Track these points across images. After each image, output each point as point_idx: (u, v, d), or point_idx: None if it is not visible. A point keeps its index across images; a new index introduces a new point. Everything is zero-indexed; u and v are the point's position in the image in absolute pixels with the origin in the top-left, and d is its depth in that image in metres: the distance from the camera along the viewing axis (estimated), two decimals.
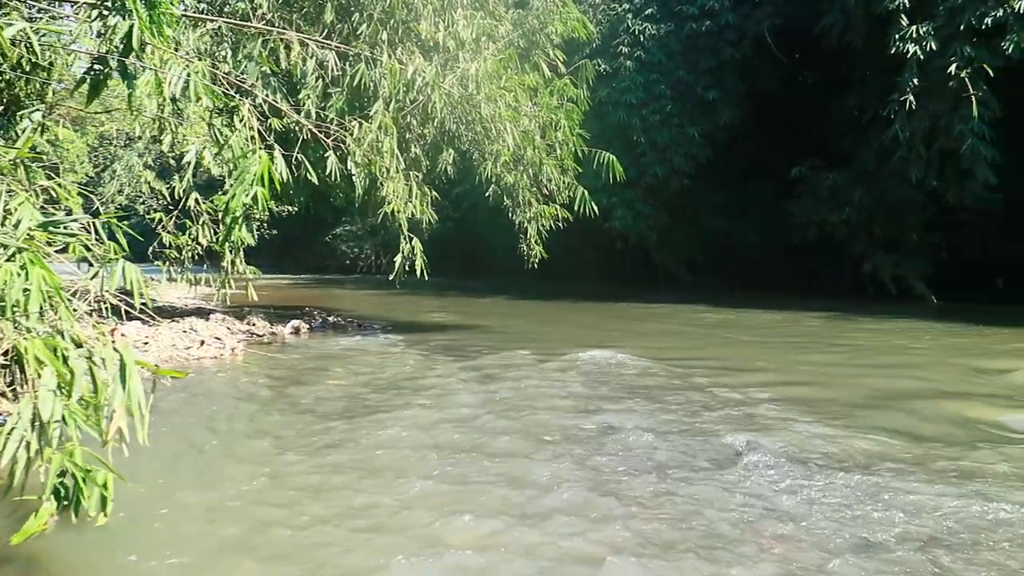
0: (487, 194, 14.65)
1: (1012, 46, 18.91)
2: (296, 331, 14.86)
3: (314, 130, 10.72)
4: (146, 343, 11.48)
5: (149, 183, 27.99)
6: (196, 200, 11.57)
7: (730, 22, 28.88)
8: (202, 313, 15.43)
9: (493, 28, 13.15)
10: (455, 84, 11.58)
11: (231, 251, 9.86)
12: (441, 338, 14.69)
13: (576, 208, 14.34)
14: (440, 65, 11.52)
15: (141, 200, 28.36)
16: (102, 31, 6.04)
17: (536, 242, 14.46)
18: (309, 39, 10.88)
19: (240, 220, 7.32)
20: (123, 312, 5.05)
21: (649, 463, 5.95)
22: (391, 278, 11.70)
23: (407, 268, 11.59)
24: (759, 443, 6.37)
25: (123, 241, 5.07)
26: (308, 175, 9.86)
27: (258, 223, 13.82)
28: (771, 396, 8.63)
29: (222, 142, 8.55)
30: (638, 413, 7.71)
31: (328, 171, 10.57)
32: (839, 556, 4.19)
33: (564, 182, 14.18)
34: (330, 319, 17.12)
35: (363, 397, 8.63)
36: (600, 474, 5.65)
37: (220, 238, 9.26)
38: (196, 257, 12.64)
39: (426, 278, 11.64)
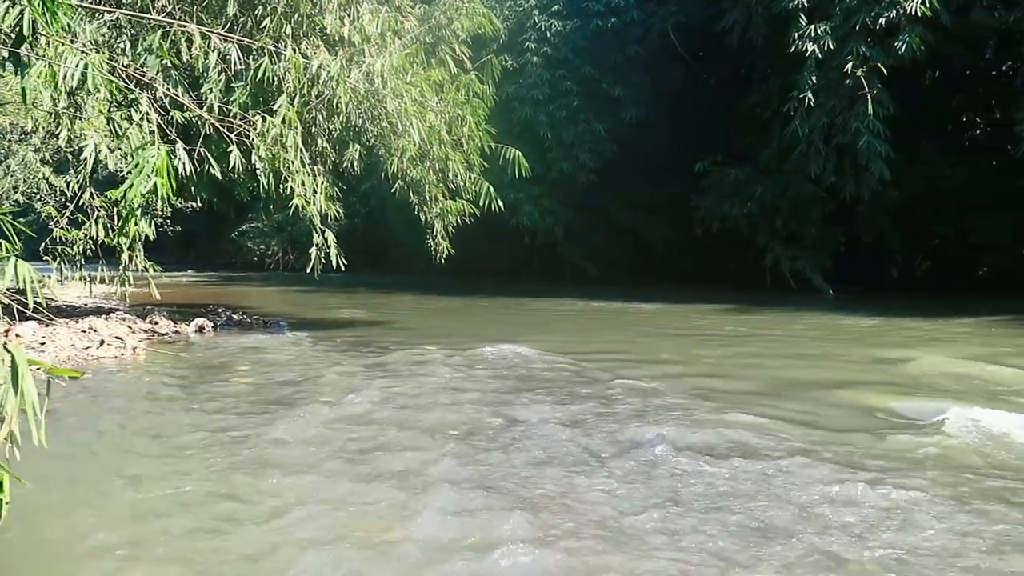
0: (393, 189, 14.62)
1: (905, 46, 19.54)
2: (201, 329, 14.59)
3: (217, 124, 10.54)
4: (43, 344, 11.16)
5: (47, 179, 27.14)
6: (91, 194, 11.28)
7: (635, 19, 29.20)
8: (102, 312, 15.04)
9: (399, 23, 13.08)
10: (361, 79, 11.50)
11: (128, 246, 9.65)
12: (348, 334, 14.60)
13: (482, 204, 14.39)
14: (345, 60, 11.44)
15: (38, 197, 27.47)
16: None
17: (443, 237, 14.48)
18: (211, 32, 10.69)
19: (137, 212, 7.18)
20: (16, 312, 4.92)
21: (552, 456, 6.01)
22: (308, 270, 11.61)
23: (323, 260, 11.52)
24: (662, 434, 6.48)
25: (15, 238, 4.94)
26: (211, 169, 9.70)
27: (160, 218, 13.58)
28: (675, 387, 8.79)
29: (120, 135, 8.37)
30: (543, 406, 7.79)
31: (232, 166, 10.42)
32: (738, 542, 4.30)
33: (470, 178, 14.21)
34: (236, 317, 16.85)
35: (267, 395, 8.54)
36: (501, 468, 5.69)
37: (116, 231, 9.06)
38: (90, 254, 12.32)
39: (342, 269, 11.57)
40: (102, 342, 11.80)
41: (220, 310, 17.58)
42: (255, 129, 10.56)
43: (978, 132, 27.16)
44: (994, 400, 8.06)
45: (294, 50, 10.87)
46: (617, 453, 6.06)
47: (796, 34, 21.26)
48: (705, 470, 5.58)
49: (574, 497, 5.05)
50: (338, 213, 12.62)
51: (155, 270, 11.18)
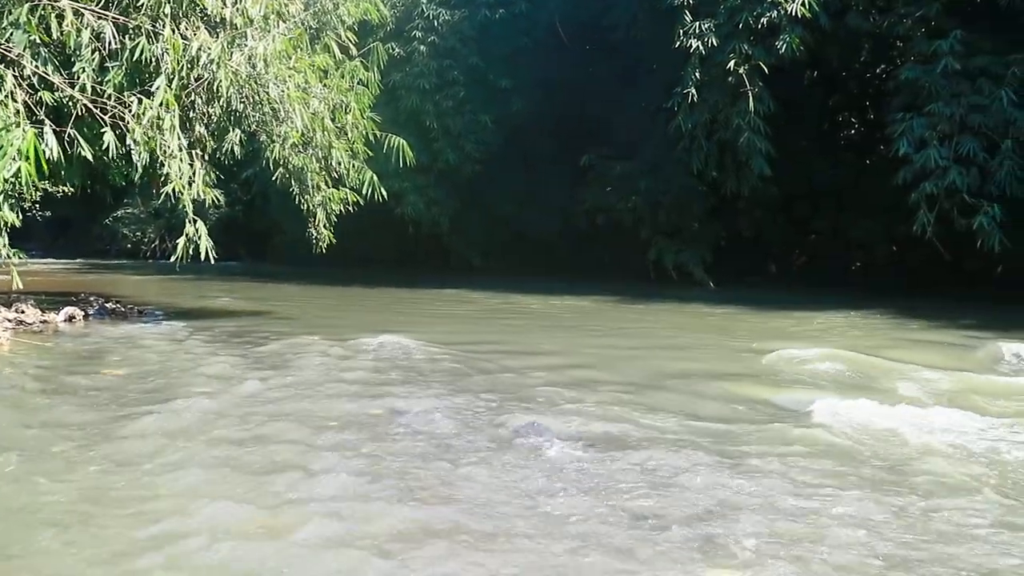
0: (275, 177, 14.38)
1: (785, 46, 20.05)
2: (71, 319, 14.02)
3: (90, 105, 10.16)
4: None
5: None
6: None
7: (523, 11, 29.27)
8: None
9: (283, 6, 12.80)
10: (242, 63, 11.23)
11: None
12: (227, 325, 14.24)
13: (365, 193, 14.26)
14: (227, 42, 11.14)
15: None
16: None
17: (325, 227, 14.29)
18: (85, 8, 10.29)
19: (0, 198, 6.86)
20: None
21: (430, 447, 5.94)
22: (172, 259, 11.26)
23: (191, 251, 11.20)
24: (542, 425, 6.48)
25: None
26: (83, 152, 9.35)
27: (28, 203, 13.03)
28: (556, 379, 8.80)
29: None
30: (424, 397, 7.70)
31: (105, 147, 10.05)
32: (617, 532, 4.31)
33: (354, 166, 14.07)
34: (109, 306, 16.25)
35: (140, 387, 8.23)
36: (378, 459, 5.59)
37: None
38: None
39: (212, 261, 11.27)
40: None
41: (92, 299, 16.94)
42: (130, 111, 10.21)
43: (853, 132, 28.07)
44: (864, 390, 8.31)
45: (173, 30, 10.56)
46: (498, 444, 6.03)
47: (681, 30, 21.61)
48: (586, 461, 5.59)
49: (454, 488, 4.99)
50: (217, 199, 12.35)
51: (19, 257, 10.73)
